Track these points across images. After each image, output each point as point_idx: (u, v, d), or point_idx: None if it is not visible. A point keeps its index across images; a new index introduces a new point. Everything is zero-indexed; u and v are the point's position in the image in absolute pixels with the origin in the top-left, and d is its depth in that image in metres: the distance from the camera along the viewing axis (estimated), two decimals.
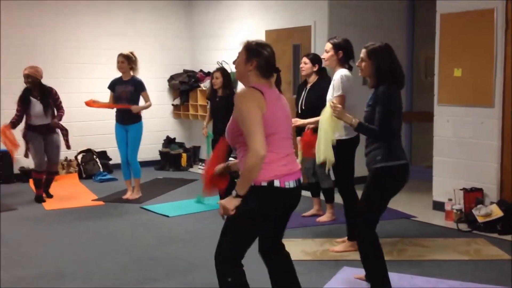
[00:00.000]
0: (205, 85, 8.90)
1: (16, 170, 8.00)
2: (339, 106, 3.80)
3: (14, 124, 6.52)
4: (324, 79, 5.40)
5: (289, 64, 7.51)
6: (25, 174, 7.93)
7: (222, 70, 6.35)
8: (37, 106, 6.51)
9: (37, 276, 4.22)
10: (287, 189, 2.83)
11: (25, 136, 6.55)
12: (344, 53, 4.73)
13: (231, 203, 2.78)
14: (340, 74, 4.65)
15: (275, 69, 2.98)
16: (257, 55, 2.92)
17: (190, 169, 8.76)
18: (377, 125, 3.57)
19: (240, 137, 2.84)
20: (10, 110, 6.80)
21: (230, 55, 8.11)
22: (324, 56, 4.86)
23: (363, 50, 3.70)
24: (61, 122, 6.68)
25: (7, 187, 7.65)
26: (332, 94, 4.67)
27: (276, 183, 2.80)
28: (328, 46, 4.79)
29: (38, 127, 6.54)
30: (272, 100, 2.86)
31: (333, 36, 4.96)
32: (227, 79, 6.27)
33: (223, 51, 8.69)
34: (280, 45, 7.65)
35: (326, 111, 3.92)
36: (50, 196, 6.92)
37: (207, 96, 7.26)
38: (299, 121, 5.07)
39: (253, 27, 8.01)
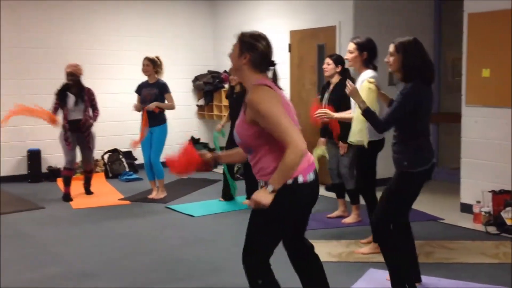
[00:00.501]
0: None
1: (44, 169, 8.14)
2: (353, 85, 3.80)
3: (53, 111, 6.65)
4: (347, 80, 5.33)
5: (314, 64, 7.48)
6: (52, 173, 8.06)
7: None
8: (73, 100, 6.65)
9: (63, 275, 4.27)
10: (309, 183, 2.77)
11: (67, 138, 6.66)
12: (369, 53, 4.61)
13: (267, 198, 2.63)
14: (366, 76, 4.55)
15: (270, 63, 2.82)
16: (250, 49, 2.75)
17: (214, 170, 8.78)
18: (384, 118, 3.54)
19: (255, 140, 2.73)
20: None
21: None
22: (347, 56, 4.70)
23: (392, 45, 3.65)
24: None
25: (35, 186, 7.78)
26: None
27: (300, 179, 2.73)
28: (352, 46, 4.64)
29: (72, 123, 6.65)
30: (280, 92, 2.79)
31: (355, 36, 4.87)
32: None
33: None
34: (305, 45, 7.64)
35: (365, 86, 3.93)
36: (90, 193, 7.10)
37: (226, 95, 7.23)
38: (329, 113, 4.72)
39: (277, 27, 8.00)
